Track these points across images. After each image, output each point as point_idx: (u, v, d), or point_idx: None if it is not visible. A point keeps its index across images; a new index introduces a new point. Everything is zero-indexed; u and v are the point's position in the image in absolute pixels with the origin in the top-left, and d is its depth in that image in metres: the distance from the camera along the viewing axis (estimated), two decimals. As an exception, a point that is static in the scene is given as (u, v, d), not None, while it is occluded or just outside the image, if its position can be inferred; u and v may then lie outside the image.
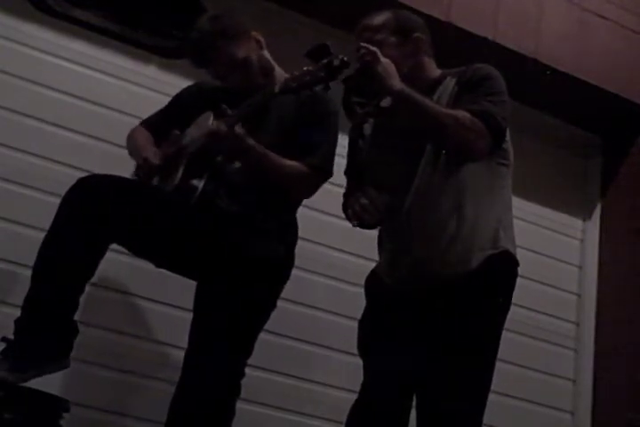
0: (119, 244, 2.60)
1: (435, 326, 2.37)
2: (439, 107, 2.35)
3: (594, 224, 4.27)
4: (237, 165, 2.64)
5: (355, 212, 2.34)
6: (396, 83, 2.30)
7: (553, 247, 4.15)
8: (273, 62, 2.79)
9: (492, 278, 2.39)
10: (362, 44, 2.33)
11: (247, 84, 2.70)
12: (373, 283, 2.57)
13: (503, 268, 2.43)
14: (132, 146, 2.84)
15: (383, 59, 2.31)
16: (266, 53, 2.77)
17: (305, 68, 2.37)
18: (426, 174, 2.41)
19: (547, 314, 4.01)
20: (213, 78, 2.78)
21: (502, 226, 2.44)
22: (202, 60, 2.72)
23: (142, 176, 2.69)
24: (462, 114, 2.32)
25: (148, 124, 2.89)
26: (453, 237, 2.38)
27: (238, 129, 2.52)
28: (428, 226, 2.41)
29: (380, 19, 2.51)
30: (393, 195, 2.44)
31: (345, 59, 2.33)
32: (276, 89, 2.45)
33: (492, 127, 2.35)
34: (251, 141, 2.54)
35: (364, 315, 2.57)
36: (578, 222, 4.29)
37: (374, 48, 2.31)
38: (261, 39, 2.75)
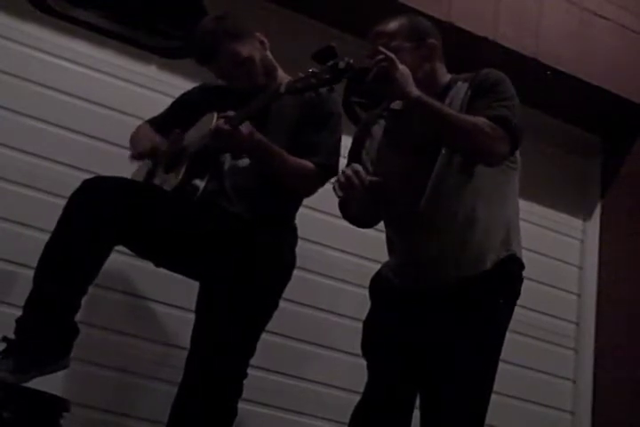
0: (124, 245, 2.61)
1: (440, 327, 2.37)
2: (457, 113, 2.36)
3: (594, 224, 4.27)
4: (245, 163, 2.64)
5: (340, 183, 2.34)
6: (413, 89, 2.31)
7: (553, 247, 4.15)
8: (275, 63, 2.79)
9: (502, 280, 2.41)
10: (380, 48, 2.34)
11: (249, 83, 2.70)
12: (379, 284, 2.57)
13: (513, 270, 2.45)
14: (137, 136, 2.84)
15: (400, 65, 2.31)
16: (269, 54, 2.78)
17: (310, 70, 2.38)
18: (440, 176, 2.42)
19: (547, 314, 4.01)
20: (216, 77, 2.79)
21: (512, 229, 2.46)
22: (206, 58, 2.73)
23: (150, 157, 2.69)
24: (481, 120, 2.34)
25: (153, 122, 2.90)
26: (466, 238, 2.39)
27: (246, 126, 2.52)
28: (442, 227, 2.41)
29: (394, 24, 2.51)
30: (407, 196, 2.45)
31: (351, 61, 2.33)
32: (282, 89, 2.45)
33: (511, 132, 2.37)
34: (259, 136, 2.55)
35: (368, 316, 2.57)
36: (578, 222, 4.29)
37: (392, 54, 2.32)
38: (265, 40, 2.77)
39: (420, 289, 2.44)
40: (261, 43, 2.76)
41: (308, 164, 2.63)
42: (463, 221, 2.40)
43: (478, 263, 2.39)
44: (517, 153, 2.51)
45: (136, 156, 2.76)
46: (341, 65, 2.33)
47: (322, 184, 2.71)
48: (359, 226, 2.65)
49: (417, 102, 2.32)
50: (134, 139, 2.85)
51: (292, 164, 2.61)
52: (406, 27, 2.51)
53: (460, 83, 2.49)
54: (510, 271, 2.43)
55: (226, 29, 2.68)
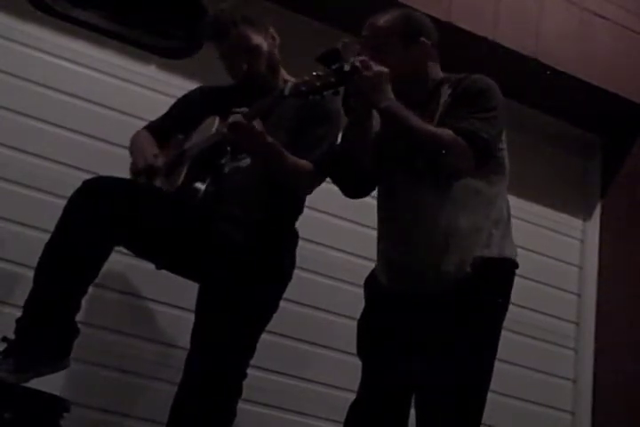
0: (123, 246, 2.61)
1: (431, 327, 2.37)
2: (424, 125, 2.33)
3: (594, 224, 4.27)
4: (245, 164, 2.64)
5: None
6: (383, 98, 2.30)
7: (553, 247, 4.15)
8: (279, 62, 2.79)
9: (485, 282, 2.38)
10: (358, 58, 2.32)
11: (250, 71, 2.68)
12: (371, 283, 2.57)
13: (496, 271, 2.41)
14: (133, 148, 2.84)
15: (376, 68, 2.30)
16: (276, 52, 2.78)
17: (315, 73, 2.36)
18: (422, 181, 2.41)
19: (547, 314, 4.01)
20: (219, 57, 2.76)
21: (496, 231, 2.42)
22: (217, 35, 2.71)
23: (144, 177, 2.69)
24: (446, 133, 2.31)
25: (152, 128, 2.89)
26: (447, 244, 2.38)
27: (258, 125, 2.51)
28: (424, 233, 2.41)
29: (387, 20, 2.49)
30: (392, 199, 2.44)
31: (357, 64, 2.32)
32: (286, 92, 2.43)
33: (476, 147, 2.33)
34: (269, 138, 2.54)
35: (362, 315, 2.57)
36: (578, 222, 4.29)
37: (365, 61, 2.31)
38: (277, 37, 2.77)
39: (405, 290, 2.43)
40: (272, 38, 2.76)
41: (306, 163, 2.63)
42: (443, 227, 2.38)
43: (458, 268, 2.36)
44: (504, 156, 2.48)
45: (134, 173, 2.75)
46: (346, 68, 2.31)
47: (319, 183, 2.70)
48: (348, 187, 2.60)
49: (384, 113, 2.33)
50: (132, 149, 2.84)
51: (290, 163, 2.61)
52: (399, 23, 2.48)
53: (446, 86, 2.46)
54: (491, 273, 2.39)
55: (244, 15, 2.69)
